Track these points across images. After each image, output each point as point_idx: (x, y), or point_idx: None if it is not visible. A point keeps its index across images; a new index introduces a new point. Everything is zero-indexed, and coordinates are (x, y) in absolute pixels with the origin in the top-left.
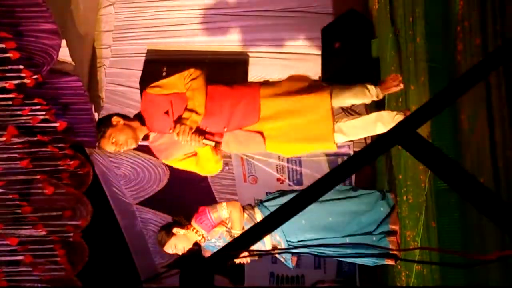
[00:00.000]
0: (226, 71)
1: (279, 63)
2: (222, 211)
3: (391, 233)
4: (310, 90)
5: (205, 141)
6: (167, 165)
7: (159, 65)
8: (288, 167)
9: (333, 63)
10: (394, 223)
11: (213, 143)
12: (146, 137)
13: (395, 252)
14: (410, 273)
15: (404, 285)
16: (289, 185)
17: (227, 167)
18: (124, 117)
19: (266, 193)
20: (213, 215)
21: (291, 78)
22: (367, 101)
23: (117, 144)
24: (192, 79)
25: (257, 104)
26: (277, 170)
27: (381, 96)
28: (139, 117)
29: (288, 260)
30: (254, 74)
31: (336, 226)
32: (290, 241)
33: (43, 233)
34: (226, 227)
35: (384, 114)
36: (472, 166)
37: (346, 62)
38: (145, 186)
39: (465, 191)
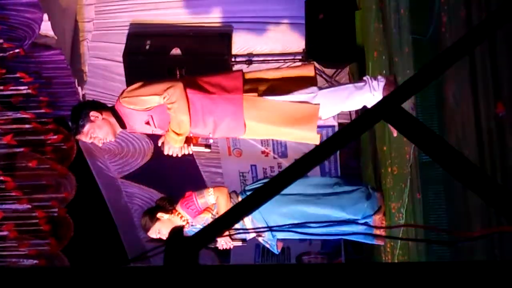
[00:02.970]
0: (210, 43)
1: (263, 35)
2: (209, 196)
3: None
4: (297, 118)
5: (194, 148)
6: (151, 139)
7: (142, 39)
8: (272, 140)
9: (317, 35)
10: (380, 221)
11: (203, 148)
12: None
13: (379, 231)
14: (395, 245)
15: (389, 256)
16: (274, 157)
17: (211, 140)
18: (100, 108)
19: (251, 166)
20: (199, 200)
21: (279, 89)
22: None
23: (96, 139)
24: (172, 102)
25: (241, 122)
26: (261, 142)
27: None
28: (115, 114)
29: (274, 246)
30: (238, 46)
31: (318, 218)
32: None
33: (28, 207)
34: (211, 213)
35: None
36: (457, 139)
37: (330, 34)
38: (129, 160)
39: (450, 166)
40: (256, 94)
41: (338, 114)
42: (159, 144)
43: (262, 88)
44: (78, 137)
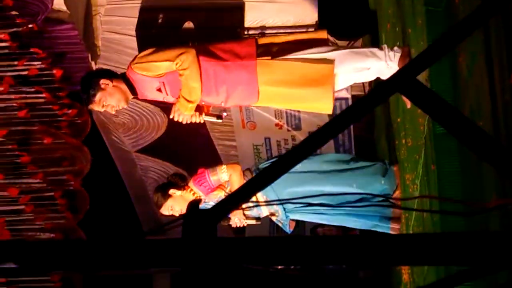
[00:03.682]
0: (222, 16)
1: (275, 7)
2: (222, 174)
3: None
4: (312, 79)
5: (205, 118)
6: (165, 112)
7: (155, 12)
8: (286, 112)
9: (330, 7)
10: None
11: (214, 118)
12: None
13: (395, 199)
14: (410, 216)
15: (404, 227)
16: (288, 130)
17: (225, 114)
18: (111, 76)
19: (265, 138)
20: (212, 177)
21: (292, 50)
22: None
23: (108, 107)
24: (184, 69)
25: (255, 89)
26: (275, 115)
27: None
28: (126, 81)
29: (286, 226)
30: (251, 19)
31: (334, 197)
32: (286, 208)
33: (44, 181)
34: (225, 191)
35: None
36: (471, 109)
37: (342, 5)
38: (143, 134)
39: (465, 138)
40: (269, 57)
41: (351, 86)
42: (171, 116)
43: (275, 50)
44: (90, 106)
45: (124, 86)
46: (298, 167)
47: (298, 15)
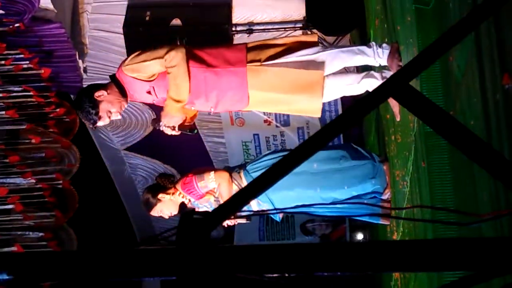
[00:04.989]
0: (210, 13)
1: (263, 3)
2: (210, 183)
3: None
4: (302, 85)
5: (181, 130)
6: (153, 110)
7: (142, 10)
8: None
9: (318, 2)
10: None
11: (187, 131)
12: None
13: (387, 209)
14: (400, 212)
15: (394, 225)
16: (276, 126)
17: (212, 109)
18: (100, 86)
19: (253, 135)
20: (199, 184)
21: (282, 54)
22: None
23: (113, 115)
24: (172, 66)
25: (245, 94)
26: (264, 112)
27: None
28: (116, 83)
29: (276, 216)
30: (239, 15)
31: (326, 199)
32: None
33: (32, 181)
34: (214, 196)
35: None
36: (462, 109)
37: (330, 0)
38: (132, 132)
39: (458, 144)
40: (259, 62)
41: None
42: (161, 128)
43: (265, 55)
44: (99, 124)
45: (115, 90)
46: None
47: (286, 11)
